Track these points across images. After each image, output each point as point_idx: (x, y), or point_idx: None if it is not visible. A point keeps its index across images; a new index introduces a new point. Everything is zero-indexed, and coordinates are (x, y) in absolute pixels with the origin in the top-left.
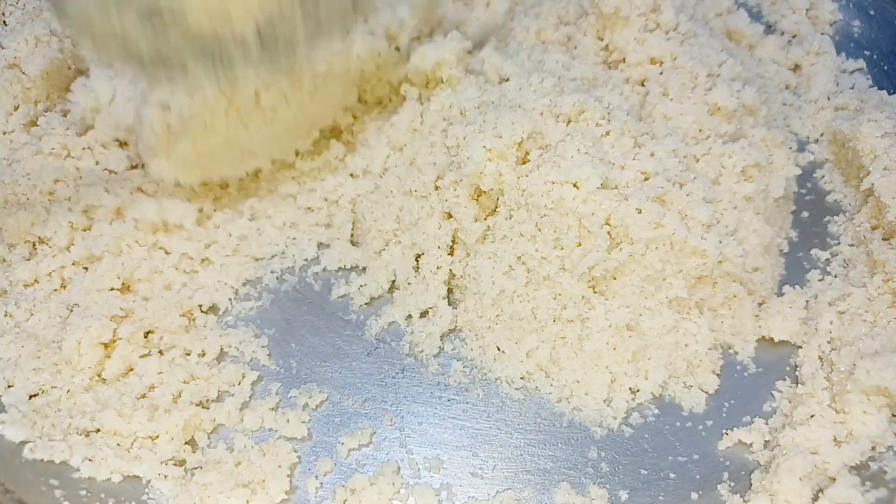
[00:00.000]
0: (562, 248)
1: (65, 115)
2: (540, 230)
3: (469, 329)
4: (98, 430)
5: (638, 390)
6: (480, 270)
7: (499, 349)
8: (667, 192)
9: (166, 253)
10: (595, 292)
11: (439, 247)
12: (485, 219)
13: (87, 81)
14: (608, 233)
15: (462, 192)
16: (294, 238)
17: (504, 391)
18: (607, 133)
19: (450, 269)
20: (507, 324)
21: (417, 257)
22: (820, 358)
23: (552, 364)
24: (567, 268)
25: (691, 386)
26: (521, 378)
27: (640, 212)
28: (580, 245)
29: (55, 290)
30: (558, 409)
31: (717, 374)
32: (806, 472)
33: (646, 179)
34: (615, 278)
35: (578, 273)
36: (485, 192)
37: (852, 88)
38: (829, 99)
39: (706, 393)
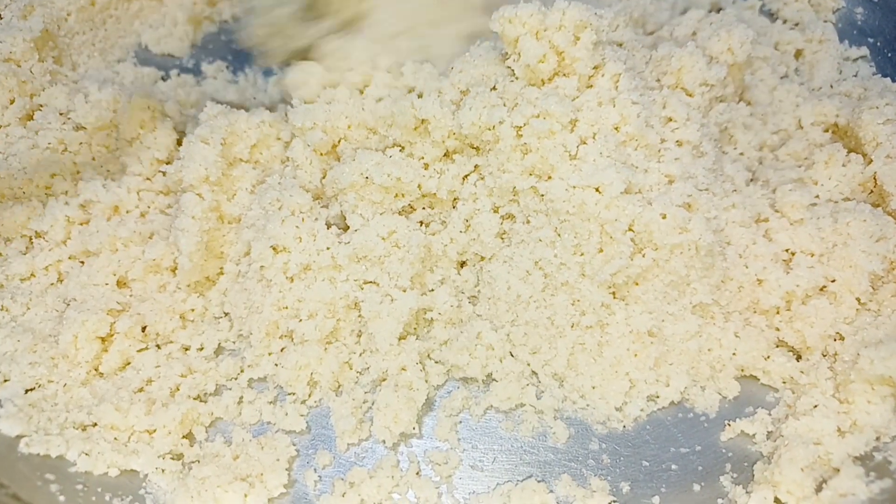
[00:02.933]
0: (582, 254)
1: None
2: (559, 235)
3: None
4: (95, 425)
5: (657, 397)
6: (496, 275)
7: (511, 355)
8: (694, 199)
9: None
10: (616, 298)
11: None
12: (501, 223)
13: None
14: (631, 239)
15: (484, 205)
16: None
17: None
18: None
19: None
20: (522, 329)
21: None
22: (824, 349)
23: (569, 370)
24: (587, 274)
25: (711, 390)
26: (526, 377)
27: (664, 217)
28: (602, 251)
29: (52, 284)
30: (562, 405)
31: (738, 379)
32: (808, 462)
33: (670, 182)
34: (637, 284)
35: (600, 280)
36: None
37: (856, 76)
38: (832, 87)
39: (725, 398)
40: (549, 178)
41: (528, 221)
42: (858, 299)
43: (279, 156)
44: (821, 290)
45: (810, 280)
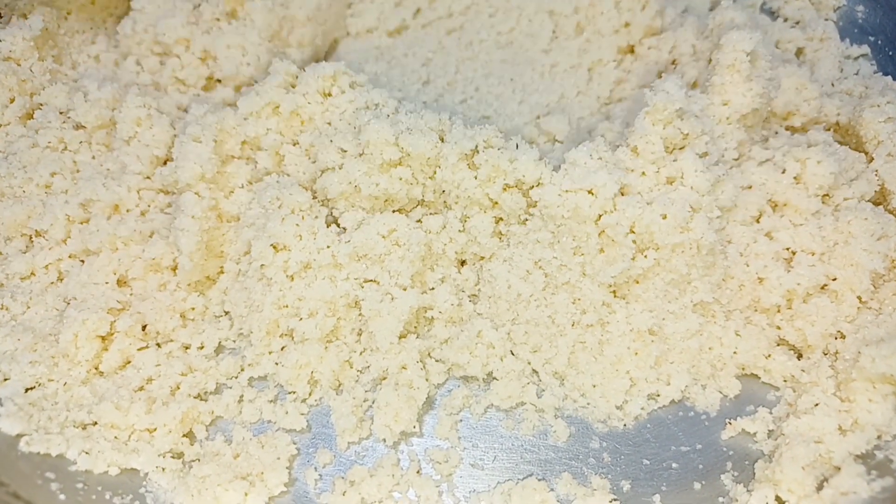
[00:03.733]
0: (582, 255)
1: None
2: (558, 240)
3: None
4: (95, 423)
5: (658, 395)
6: (496, 274)
7: (512, 354)
8: (696, 199)
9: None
10: (616, 296)
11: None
12: (496, 223)
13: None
14: (633, 241)
15: (474, 208)
16: None
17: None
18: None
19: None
20: (522, 328)
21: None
22: (825, 347)
23: (570, 369)
24: (588, 273)
25: (712, 389)
26: (527, 376)
27: (665, 217)
28: (602, 252)
29: (52, 283)
30: (562, 404)
31: (738, 378)
32: (809, 460)
33: (670, 183)
34: (638, 282)
35: (601, 281)
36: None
37: (857, 74)
38: (833, 85)
39: (726, 396)
40: (540, 184)
41: (524, 223)
42: (860, 298)
43: (269, 149)
44: (822, 288)
45: (811, 278)
